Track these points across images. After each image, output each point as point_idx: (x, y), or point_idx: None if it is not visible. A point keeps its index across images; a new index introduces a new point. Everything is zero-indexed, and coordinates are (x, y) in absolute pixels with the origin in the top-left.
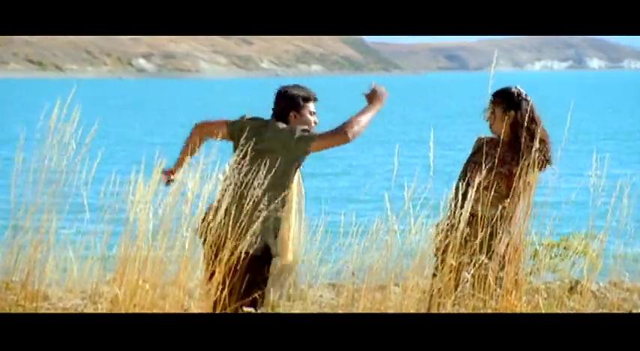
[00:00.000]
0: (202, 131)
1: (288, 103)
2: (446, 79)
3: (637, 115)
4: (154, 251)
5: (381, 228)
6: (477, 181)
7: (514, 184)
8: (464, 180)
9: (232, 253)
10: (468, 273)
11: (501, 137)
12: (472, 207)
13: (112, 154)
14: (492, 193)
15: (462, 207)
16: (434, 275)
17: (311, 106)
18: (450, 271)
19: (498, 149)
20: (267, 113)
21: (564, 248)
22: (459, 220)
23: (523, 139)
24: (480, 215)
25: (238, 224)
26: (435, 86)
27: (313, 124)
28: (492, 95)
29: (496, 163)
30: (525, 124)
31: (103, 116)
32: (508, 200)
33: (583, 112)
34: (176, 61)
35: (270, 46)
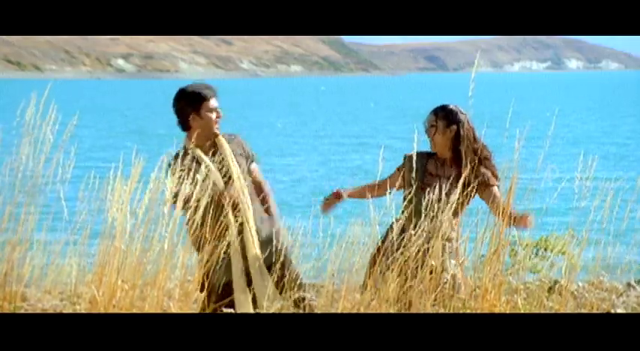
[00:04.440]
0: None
1: (186, 104)
2: (425, 79)
3: (616, 117)
4: (132, 252)
5: (362, 228)
6: (452, 199)
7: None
8: (421, 194)
9: (211, 254)
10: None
11: (443, 155)
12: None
13: (90, 155)
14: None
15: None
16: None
17: (209, 103)
18: (431, 272)
19: (446, 168)
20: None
21: (544, 249)
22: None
23: (465, 156)
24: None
25: (218, 224)
26: (415, 87)
27: (215, 120)
28: (434, 111)
29: (457, 182)
30: (468, 142)
31: (80, 117)
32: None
33: (562, 112)
34: (155, 61)
35: (250, 47)
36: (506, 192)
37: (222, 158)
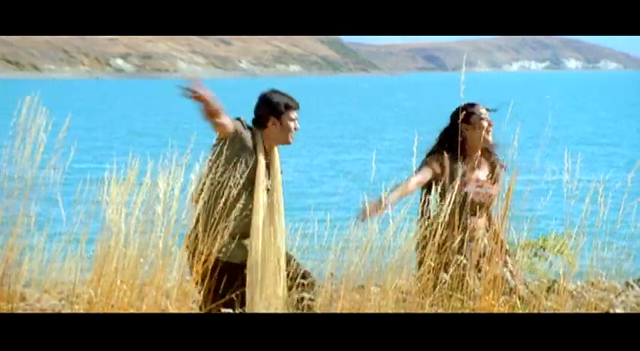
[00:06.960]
0: (220, 112)
1: (269, 109)
2: (424, 79)
3: (613, 118)
4: (130, 252)
5: (359, 227)
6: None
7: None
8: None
9: (210, 254)
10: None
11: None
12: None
13: (88, 156)
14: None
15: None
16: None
17: (292, 113)
18: (429, 272)
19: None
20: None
21: (542, 248)
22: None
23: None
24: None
25: (211, 226)
26: (414, 87)
27: (293, 131)
28: (486, 109)
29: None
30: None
31: (78, 116)
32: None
33: (560, 112)
34: (154, 61)
35: (249, 47)
36: (505, 193)
37: (271, 164)
